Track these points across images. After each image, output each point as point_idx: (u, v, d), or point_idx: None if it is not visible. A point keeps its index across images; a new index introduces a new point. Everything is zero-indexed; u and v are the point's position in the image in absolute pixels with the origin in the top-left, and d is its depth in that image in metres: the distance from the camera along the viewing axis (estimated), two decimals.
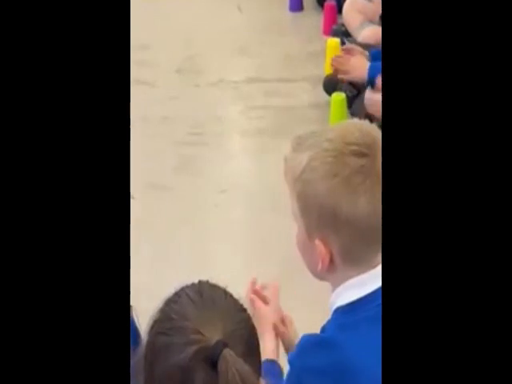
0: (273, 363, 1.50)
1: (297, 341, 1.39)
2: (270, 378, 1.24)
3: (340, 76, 3.21)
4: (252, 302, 1.49)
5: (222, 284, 1.14)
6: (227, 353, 0.99)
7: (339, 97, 3.41)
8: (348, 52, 3.23)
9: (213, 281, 1.13)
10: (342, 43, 3.78)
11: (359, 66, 3.14)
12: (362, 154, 1.20)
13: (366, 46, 3.44)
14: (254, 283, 1.55)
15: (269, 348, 1.46)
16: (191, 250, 2.75)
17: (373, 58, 3.16)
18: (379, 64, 3.11)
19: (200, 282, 1.11)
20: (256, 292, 1.53)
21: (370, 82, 3.09)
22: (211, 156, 3.35)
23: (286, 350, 1.49)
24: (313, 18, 4.17)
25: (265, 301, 1.52)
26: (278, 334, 1.49)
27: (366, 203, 1.19)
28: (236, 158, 3.46)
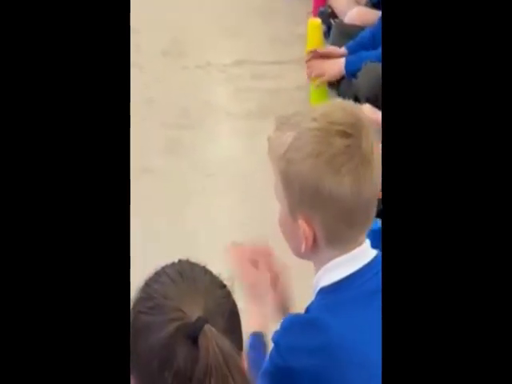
0: (258, 336, 1.48)
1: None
2: (254, 351, 1.25)
3: (317, 80, 3.26)
4: (241, 268, 1.42)
5: (209, 265, 1.14)
6: (208, 329, 1.00)
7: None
8: (326, 56, 3.24)
9: (200, 261, 1.13)
10: (328, 25, 3.78)
11: (333, 67, 3.19)
12: (346, 134, 1.20)
13: (352, 27, 3.44)
14: (236, 248, 1.47)
15: (255, 320, 1.44)
16: (178, 233, 2.75)
17: (349, 52, 3.19)
18: (355, 57, 3.14)
19: (180, 260, 1.11)
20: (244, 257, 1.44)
21: (350, 76, 3.14)
22: (198, 139, 3.34)
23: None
24: (302, 0, 4.16)
25: (255, 265, 1.44)
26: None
27: (350, 183, 1.19)
28: (223, 140, 3.45)
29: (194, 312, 1.02)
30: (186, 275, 1.08)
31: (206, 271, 1.10)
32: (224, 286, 1.10)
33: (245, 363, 1.06)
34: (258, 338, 1.41)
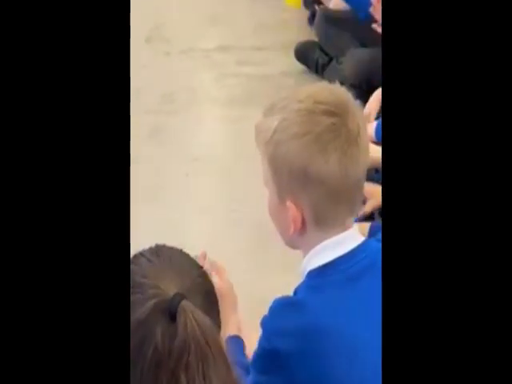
0: (236, 339, 1.51)
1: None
2: (234, 355, 1.22)
3: None
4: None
5: (193, 250, 1.15)
6: (185, 304, 1.00)
7: None
8: None
9: (185, 248, 1.14)
10: (313, 11, 3.77)
11: None
12: (331, 113, 1.21)
13: (337, 13, 3.44)
14: (204, 256, 1.58)
15: (232, 323, 1.48)
16: (163, 218, 2.75)
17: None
18: None
19: (157, 244, 1.12)
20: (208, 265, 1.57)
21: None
22: (183, 125, 3.34)
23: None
24: None
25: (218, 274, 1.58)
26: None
27: (337, 161, 1.20)
28: (208, 126, 3.44)
29: (171, 289, 1.02)
30: (162, 255, 1.09)
31: (182, 253, 1.12)
32: (201, 267, 1.11)
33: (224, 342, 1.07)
34: (235, 340, 1.44)
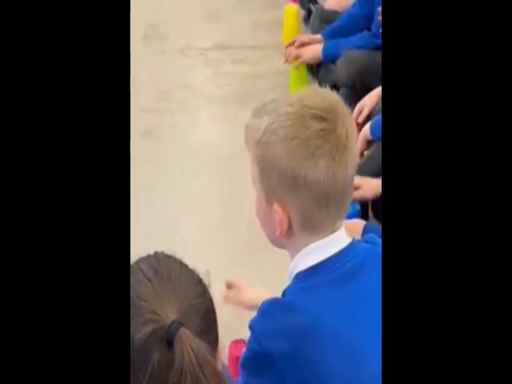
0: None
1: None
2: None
3: (294, 62, 3.30)
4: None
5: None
6: (183, 332, 0.99)
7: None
8: (303, 44, 3.27)
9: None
10: (309, 11, 3.78)
11: (309, 51, 3.23)
12: (321, 118, 1.21)
13: (332, 13, 3.44)
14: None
15: None
16: (157, 217, 2.75)
17: (325, 38, 3.22)
18: (332, 43, 3.15)
19: (156, 253, 1.10)
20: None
21: (327, 61, 3.15)
22: (178, 123, 3.34)
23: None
24: None
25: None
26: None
27: (325, 167, 1.20)
28: (202, 124, 3.44)
29: (169, 314, 1.01)
30: (161, 272, 1.06)
31: (181, 266, 1.09)
32: (200, 281, 1.09)
33: (219, 363, 1.06)
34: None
